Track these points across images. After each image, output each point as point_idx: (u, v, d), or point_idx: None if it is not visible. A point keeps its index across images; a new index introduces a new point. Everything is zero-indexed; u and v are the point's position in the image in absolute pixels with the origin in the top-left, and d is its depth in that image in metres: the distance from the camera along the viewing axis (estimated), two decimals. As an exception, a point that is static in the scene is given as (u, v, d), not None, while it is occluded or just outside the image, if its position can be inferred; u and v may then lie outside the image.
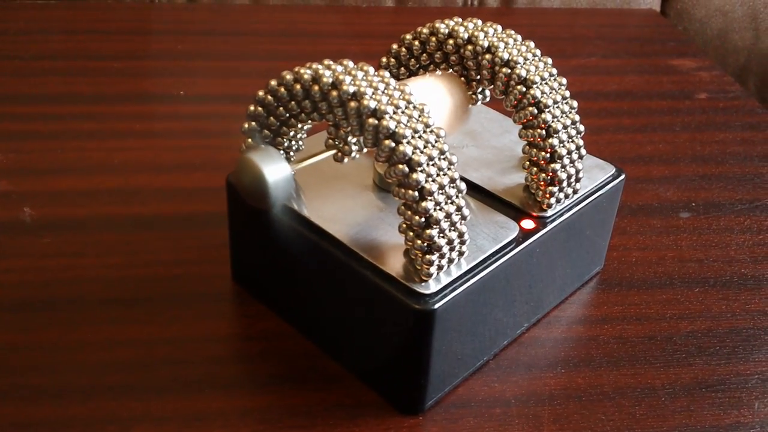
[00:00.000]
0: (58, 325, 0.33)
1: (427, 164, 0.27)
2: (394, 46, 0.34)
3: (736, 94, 0.57)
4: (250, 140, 0.31)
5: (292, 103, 0.29)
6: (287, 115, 0.30)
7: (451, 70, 0.33)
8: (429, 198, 0.27)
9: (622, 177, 0.36)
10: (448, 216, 0.27)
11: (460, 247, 0.28)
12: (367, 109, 0.27)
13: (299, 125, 0.30)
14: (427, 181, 0.27)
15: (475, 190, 0.34)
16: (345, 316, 0.31)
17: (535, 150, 0.32)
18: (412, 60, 0.34)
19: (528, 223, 0.32)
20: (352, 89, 0.27)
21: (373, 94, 0.27)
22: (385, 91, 0.27)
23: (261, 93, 0.30)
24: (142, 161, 0.44)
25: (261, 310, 0.35)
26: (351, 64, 0.29)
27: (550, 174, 0.32)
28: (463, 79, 0.34)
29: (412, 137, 0.27)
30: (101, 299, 0.35)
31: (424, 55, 0.33)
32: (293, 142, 0.32)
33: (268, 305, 0.35)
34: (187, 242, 0.38)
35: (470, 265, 0.29)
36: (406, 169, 0.26)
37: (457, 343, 0.30)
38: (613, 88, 0.57)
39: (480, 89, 0.34)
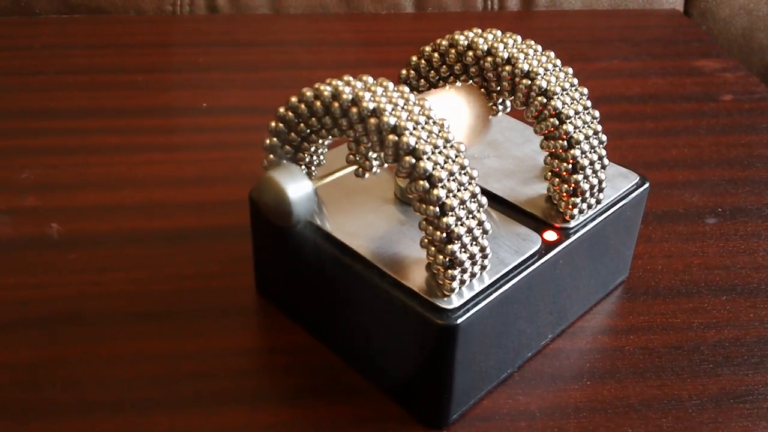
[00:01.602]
0: (85, 341, 0.33)
1: (448, 180, 0.27)
2: (414, 58, 0.34)
3: (762, 95, 0.57)
4: (271, 156, 0.31)
5: (313, 119, 0.29)
6: (308, 131, 0.30)
7: (471, 82, 0.33)
8: (450, 213, 0.27)
9: (646, 185, 0.35)
10: (469, 231, 0.27)
11: (482, 261, 0.28)
12: (387, 126, 0.27)
13: (320, 141, 0.30)
14: (448, 197, 0.26)
15: (497, 201, 0.33)
16: (368, 330, 0.31)
17: (557, 161, 0.31)
18: (432, 72, 0.34)
19: (551, 235, 0.32)
20: (371, 105, 0.27)
21: (392, 110, 0.27)
22: (405, 107, 0.27)
23: (282, 109, 0.30)
24: (165, 175, 0.45)
25: (285, 323, 0.35)
26: (371, 79, 0.29)
27: (573, 185, 0.31)
28: (483, 90, 0.34)
29: (432, 153, 0.27)
30: (127, 314, 0.35)
31: (444, 66, 0.33)
32: (315, 157, 0.32)
33: (293, 318, 0.35)
34: (211, 256, 0.39)
35: (492, 279, 0.29)
36: (427, 185, 0.26)
37: (480, 356, 0.30)
38: (635, 92, 0.56)
39: (501, 100, 0.34)
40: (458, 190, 0.27)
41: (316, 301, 0.33)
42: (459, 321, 0.27)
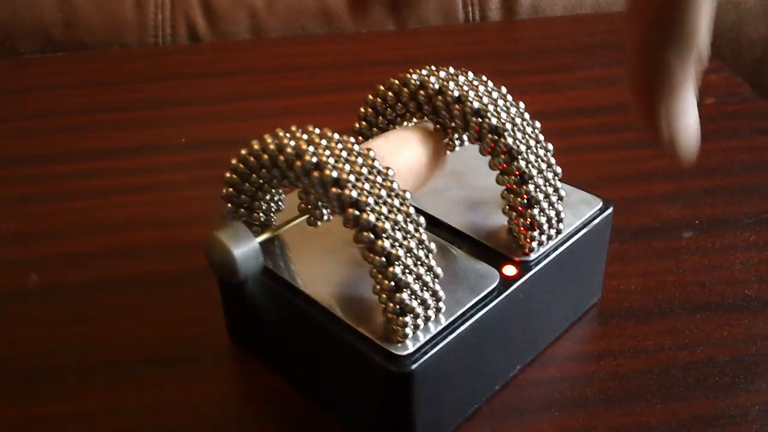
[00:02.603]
0: (62, 396, 0.34)
1: (393, 229, 0.27)
2: (370, 96, 0.35)
3: (745, 96, 0.56)
4: (228, 206, 0.31)
5: (263, 170, 0.30)
6: (261, 181, 0.30)
7: (426, 119, 0.33)
8: (397, 263, 0.27)
9: (609, 210, 0.35)
10: (418, 278, 0.27)
11: (436, 305, 0.29)
12: (330, 179, 0.27)
13: (273, 190, 0.31)
14: (393, 247, 0.27)
15: (458, 236, 0.33)
16: (333, 377, 0.31)
17: (512, 195, 0.32)
18: (389, 109, 0.34)
19: (510, 270, 0.32)
20: (314, 159, 0.27)
21: (335, 162, 0.27)
22: (348, 158, 0.28)
23: (234, 161, 0.30)
24: (144, 217, 0.45)
25: (259, 369, 0.35)
26: (316, 131, 0.29)
27: (529, 219, 0.31)
28: (439, 126, 0.34)
29: (376, 204, 0.27)
30: (101, 365, 0.35)
31: (399, 104, 0.34)
32: (272, 204, 0.32)
33: (265, 363, 0.35)
34: (188, 299, 0.39)
35: (449, 321, 0.29)
36: (372, 236, 0.27)
37: (443, 396, 0.30)
38: (615, 100, 0.56)
39: (456, 135, 0.34)
40: (404, 239, 0.27)
41: (283, 346, 0.33)
42: (413, 367, 0.27)
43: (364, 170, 0.27)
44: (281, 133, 0.29)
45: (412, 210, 0.27)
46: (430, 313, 0.28)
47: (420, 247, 0.27)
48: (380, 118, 0.35)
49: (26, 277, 0.41)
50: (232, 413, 0.33)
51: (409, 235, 0.27)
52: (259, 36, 0.71)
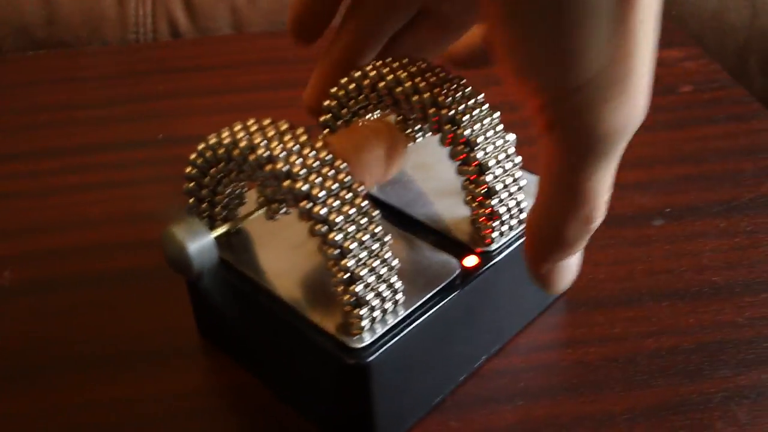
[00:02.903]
0: (35, 392, 0.34)
1: (345, 222, 0.27)
2: (333, 89, 0.35)
3: (722, 83, 0.56)
4: (191, 201, 0.32)
5: (221, 164, 0.30)
6: (220, 175, 0.31)
7: (389, 110, 0.34)
8: (349, 256, 0.27)
9: None
10: (372, 270, 0.28)
11: (394, 297, 0.29)
12: (281, 173, 0.27)
13: (233, 184, 0.31)
14: (346, 240, 0.27)
15: (421, 228, 0.34)
16: (294, 371, 0.31)
17: (472, 186, 0.32)
18: (352, 101, 0.34)
19: (471, 260, 0.32)
20: (266, 153, 0.27)
21: (287, 156, 0.27)
22: (301, 152, 0.28)
23: (192, 156, 0.31)
24: (119, 212, 0.45)
25: (229, 363, 0.35)
26: (271, 125, 0.29)
27: (489, 209, 0.31)
28: (401, 118, 0.34)
29: (329, 197, 0.27)
30: (74, 361, 0.36)
31: (361, 96, 0.34)
32: (234, 198, 0.32)
33: (234, 358, 0.35)
34: (160, 295, 0.39)
35: (407, 312, 0.29)
36: (324, 228, 0.27)
37: (404, 388, 0.30)
38: (593, 90, 0.56)
39: (417, 127, 0.34)
40: (357, 232, 0.27)
41: (247, 340, 0.34)
42: (369, 359, 0.28)
43: (316, 163, 0.27)
44: (236, 127, 0.29)
45: (365, 203, 0.28)
46: (388, 305, 0.29)
47: (374, 239, 0.28)
48: (344, 110, 0.35)
49: None
50: (202, 407, 0.34)
51: (362, 228, 0.27)
52: (241, 31, 0.71)
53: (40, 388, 0.34)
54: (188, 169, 0.31)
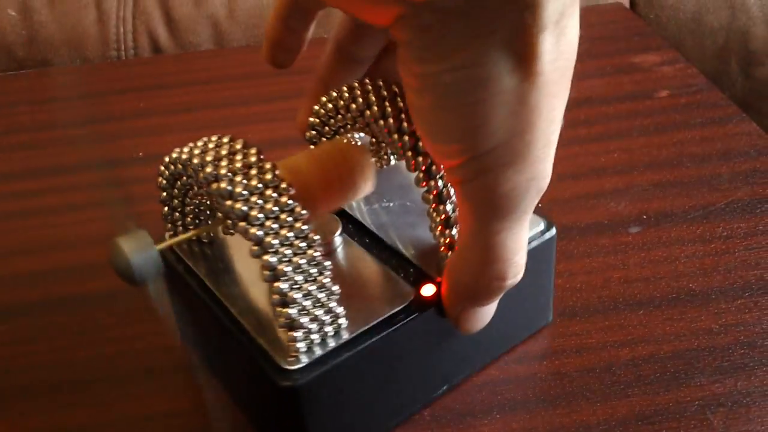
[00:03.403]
0: (7, 418, 0.34)
1: (282, 245, 0.27)
2: (316, 107, 0.35)
3: (699, 87, 0.56)
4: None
5: (183, 178, 0.30)
6: (185, 188, 0.31)
7: (362, 133, 0.34)
8: (283, 278, 0.27)
9: (552, 233, 0.34)
10: (309, 294, 0.27)
11: (336, 320, 0.29)
12: (225, 192, 0.27)
13: (197, 196, 0.31)
14: (280, 263, 0.27)
15: (388, 251, 0.33)
16: (242, 382, 0.32)
17: (435, 214, 0.31)
18: (332, 120, 0.34)
19: (429, 289, 0.31)
20: (213, 172, 0.28)
21: (232, 176, 0.28)
22: (247, 172, 0.28)
23: (161, 167, 0.31)
24: (97, 233, 0.45)
25: (210, 380, 0.35)
26: (224, 142, 0.29)
27: (448, 239, 0.31)
28: (374, 140, 0.34)
29: (267, 219, 0.27)
30: (51, 385, 0.36)
31: (339, 116, 0.34)
32: (203, 209, 0.33)
33: (206, 363, 0.35)
34: (139, 315, 0.39)
35: (349, 337, 0.29)
36: (260, 250, 0.27)
37: (344, 414, 0.30)
38: (571, 97, 0.56)
39: (390, 150, 0.34)
40: (294, 255, 0.27)
41: (210, 349, 0.34)
42: (300, 382, 0.28)
43: (259, 185, 0.27)
44: (198, 143, 0.30)
45: (306, 227, 0.27)
46: (329, 329, 0.28)
47: (311, 263, 0.27)
48: (326, 128, 0.35)
49: (-21, 299, 0.41)
50: (185, 426, 0.34)
51: (299, 252, 0.27)
52: (222, 45, 0.71)
53: (15, 415, 0.34)
54: (159, 180, 0.31)
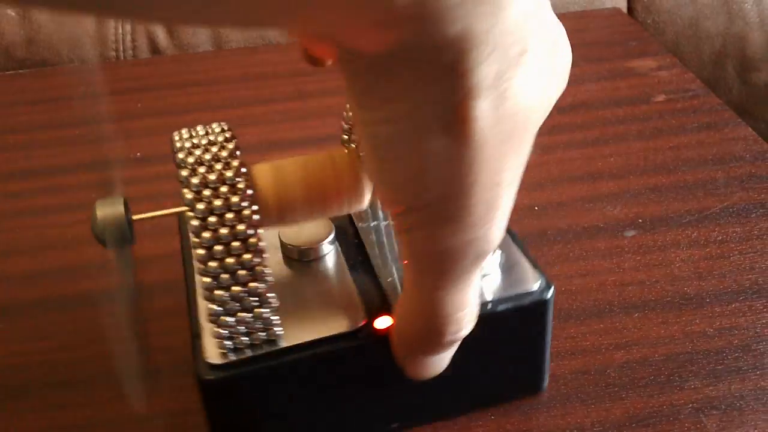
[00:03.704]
0: (2, 418, 0.34)
1: (217, 242, 0.27)
2: (344, 113, 0.34)
3: (696, 92, 0.56)
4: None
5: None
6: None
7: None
8: (209, 274, 0.27)
9: (549, 295, 0.30)
10: (236, 297, 0.27)
11: (268, 328, 0.28)
12: (183, 179, 0.27)
13: None
14: (211, 259, 0.27)
15: (369, 273, 0.32)
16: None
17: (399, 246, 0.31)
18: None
19: (384, 321, 0.29)
20: (181, 156, 0.28)
21: (195, 165, 0.27)
22: (212, 166, 0.28)
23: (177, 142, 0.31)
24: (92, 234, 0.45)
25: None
26: (213, 133, 0.29)
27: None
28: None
29: (212, 214, 0.27)
30: (47, 384, 0.36)
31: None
32: None
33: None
34: (136, 315, 0.39)
35: (279, 348, 0.28)
36: (195, 243, 0.27)
37: (267, 422, 0.30)
38: (567, 101, 0.56)
39: None
40: (229, 255, 0.27)
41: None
42: (213, 377, 0.28)
43: (216, 180, 0.27)
44: (196, 127, 0.29)
45: (251, 230, 0.27)
46: (262, 335, 0.28)
47: (246, 267, 0.27)
48: (353, 135, 0.34)
49: (-25, 298, 0.41)
50: (182, 426, 0.34)
51: (236, 253, 0.27)
52: (220, 47, 0.71)
53: (10, 414, 0.34)
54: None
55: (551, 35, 0.22)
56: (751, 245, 0.41)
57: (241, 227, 0.27)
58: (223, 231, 0.27)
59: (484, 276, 0.30)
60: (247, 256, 0.27)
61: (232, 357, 0.28)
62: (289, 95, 0.60)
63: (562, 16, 0.77)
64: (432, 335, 0.26)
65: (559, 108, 0.59)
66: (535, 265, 0.31)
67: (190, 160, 0.28)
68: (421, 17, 0.17)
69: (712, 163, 0.49)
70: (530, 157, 0.23)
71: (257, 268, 0.27)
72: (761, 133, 0.52)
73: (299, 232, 0.33)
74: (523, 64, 0.20)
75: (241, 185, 0.27)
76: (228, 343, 0.28)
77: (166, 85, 0.63)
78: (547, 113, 0.22)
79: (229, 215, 0.27)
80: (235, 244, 0.27)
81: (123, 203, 0.29)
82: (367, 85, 0.20)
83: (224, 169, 0.28)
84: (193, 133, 0.29)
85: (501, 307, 0.30)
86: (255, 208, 0.27)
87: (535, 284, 0.30)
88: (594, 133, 0.52)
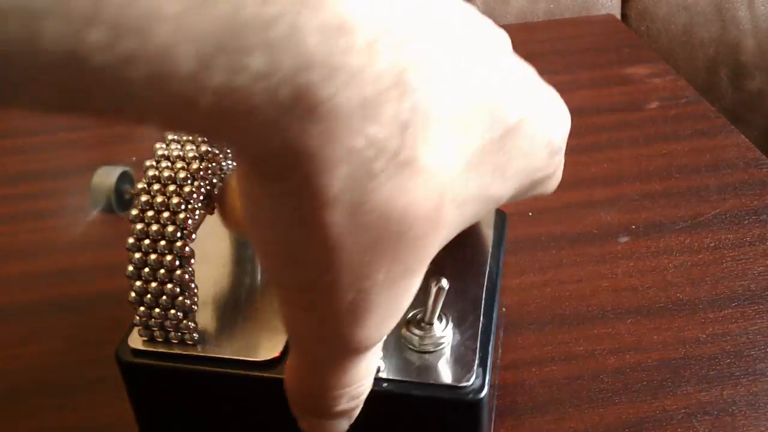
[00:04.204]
0: (-2, 420, 0.34)
1: (146, 236, 0.27)
2: None
3: (689, 99, 0.57)
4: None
5: None
6: None
7: None
8: (132, 263, 0.27)
9: (482, 395, 0.26)
10: (154, 293, 0.27)
11: (183, 330, 0.28)
12: (145, 170, 0.28)
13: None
14: (136, 250, 0.27)
15: None
16: None
17: None
18: None
19: None
20: (159, 153, 0.28)
21: (157, 162, 0.28)
22: (173, 163, 0.28)
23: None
24: (86, 238, 0.45)
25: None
26: (181, 141, 0.29)
27: None
28: None
29: (151, 208, 0.27)
30: (40, 387, 0.36)
31: None
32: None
33: None
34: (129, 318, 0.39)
35: (186, 353, 0.28)
36: (130, 234, 0.27)
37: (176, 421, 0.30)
38: (562, 107, 0.56)
39: None
40: (152, 252, 0.27)
41: None
42: (125, 358, 0.28)
43: (168, 180, 0.27)
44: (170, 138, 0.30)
45: (178, 234, 0.27)
46: (176, 334, 0.28)
47: (165, 268, 0.27)
48: None
49: (-31, 302, 0.41)
50: None
51: (161, 251, 0.27)
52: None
53: (3, 418, 0.34)
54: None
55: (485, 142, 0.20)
56: (743, 252, 0.42)
57: (170, 229, 0.27)
58: (154, 228, 0.27)
59: (424, 353, 0.27)
60: (168, 257, 0.27)
61: (150, 348, 0.28)
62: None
63: (556, 23, 0.78)
64: (310, 413, 0.24)
65: (554, 114, 0.58)
66: (483, 359, 0.27)
67: (159, 152, 0.28)
68: (244, 130, 0.17)
69: (705, 169, 0.49)
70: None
71: (177, 272, 0.27)
72: (754, 140, 0.52)
73: None
74: (397, 176, 0.18)
75: (187, 189, 0.27)
76: (145, 332, 0.28)
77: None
78: (460, 228, 0.21)
79: (166, 214, 0.27)
80: (161, 243, 0.27)
81: (121, 174, 0.29)
82: (243, 170, 0.20)
83: (182, 168, 0.27)
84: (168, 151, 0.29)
85: (415, 392, 0.26)
86: (189, 213, 0.27)
87: (467, 380, 0.26)
88: (587, 140, 0.53)
